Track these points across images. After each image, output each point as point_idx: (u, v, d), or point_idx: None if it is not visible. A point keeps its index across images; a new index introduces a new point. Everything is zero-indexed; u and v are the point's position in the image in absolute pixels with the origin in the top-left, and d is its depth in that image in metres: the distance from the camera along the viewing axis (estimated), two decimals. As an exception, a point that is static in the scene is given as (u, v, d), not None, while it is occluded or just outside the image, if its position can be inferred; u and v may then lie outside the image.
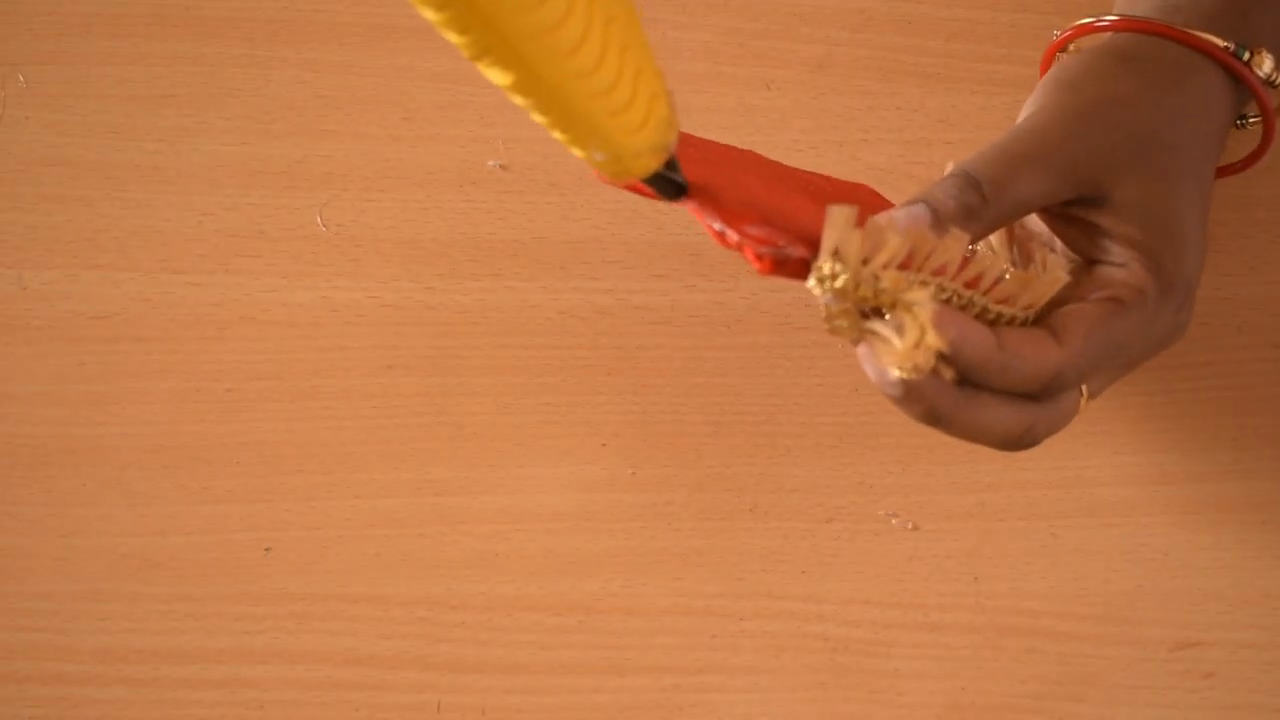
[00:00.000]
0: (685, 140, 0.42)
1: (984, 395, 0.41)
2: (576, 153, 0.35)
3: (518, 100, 0.33)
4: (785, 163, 0.48)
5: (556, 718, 0.51)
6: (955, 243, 0.39)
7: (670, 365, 0.55)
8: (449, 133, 0.57)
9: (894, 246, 0.38)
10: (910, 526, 0.54)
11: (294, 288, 0.55)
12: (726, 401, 0.55)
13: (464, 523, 0.53)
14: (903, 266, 0.39)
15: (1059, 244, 0.46)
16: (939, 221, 0.41)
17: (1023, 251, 0.46)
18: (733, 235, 0.39)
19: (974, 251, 0.40)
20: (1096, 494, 0.53)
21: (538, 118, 0.34)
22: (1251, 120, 0.49)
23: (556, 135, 0.35)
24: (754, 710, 0.51)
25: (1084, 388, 0.45)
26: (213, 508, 0.53)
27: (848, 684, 0.51)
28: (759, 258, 0.39)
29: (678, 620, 0.53)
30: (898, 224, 0.41)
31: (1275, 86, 0.47)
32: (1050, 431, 0.43)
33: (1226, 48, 0.46)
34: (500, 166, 0.56)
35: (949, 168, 0.47)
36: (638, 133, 0.35)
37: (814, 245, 0.38)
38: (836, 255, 0.37)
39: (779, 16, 0.57)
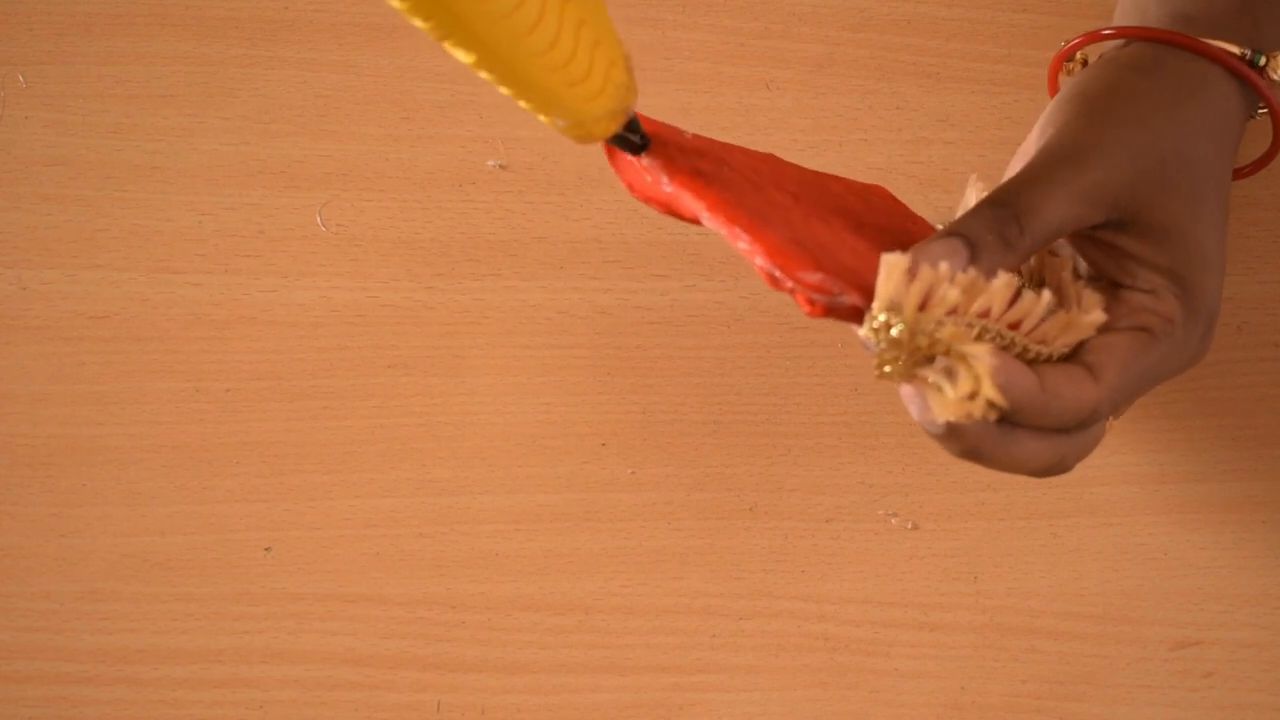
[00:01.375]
0: (705, 147, 0.42)
1: (1020, 431, 0.41)
2: (542, 119, 0.37)
3: (483, 75, 0.35)
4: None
5: (556, 717, 0.51)
6: (1004, 288, 0.39)
7: (670, 365, 0.55)
8: (449, 133, 0.57)
9: (951, 300, 0.38)
10: (910, 526, 0.54)
11: (294, 288, 0.55)
12: (726, 401, 0.55)
13: (464, 522, 0.53)
14: (949, 311, 0.39)
15: (1082, 264, 0.46)
16: (976, 255, 0.41)
17: (1051, 279, 0.45)
18: (786, 281, 0.39)
19: (1018, 292, 0.40)
20: (1096, 493, 0.53)
21: (502, 90, 0.36)
22: (1261, 110, 0.49)
23: (521, 104, 0.36)
24: (754, 710, 0.51)
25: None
26: (213, 508, 0.53)
27: (848, 683, 0.51)
28: (811, 303, 0.39)
29: (677, 620, 0.53)
30: (934, 258, 0.40)
31: None
32: (1080, 458, 0.44)
33: (1241, 55, 0.45)
34: (500, 166, 0.56)
35: (972, 180, 0.47)
36: (596, 99, 0.37)
37: (866, 291, 0.38)
38: (892, 307, 0.37)
39: (778, 16, 0.57)
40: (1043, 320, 0.41)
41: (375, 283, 0.55)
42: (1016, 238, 0.42)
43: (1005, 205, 0.42)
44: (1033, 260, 0.46)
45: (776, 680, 0.52)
